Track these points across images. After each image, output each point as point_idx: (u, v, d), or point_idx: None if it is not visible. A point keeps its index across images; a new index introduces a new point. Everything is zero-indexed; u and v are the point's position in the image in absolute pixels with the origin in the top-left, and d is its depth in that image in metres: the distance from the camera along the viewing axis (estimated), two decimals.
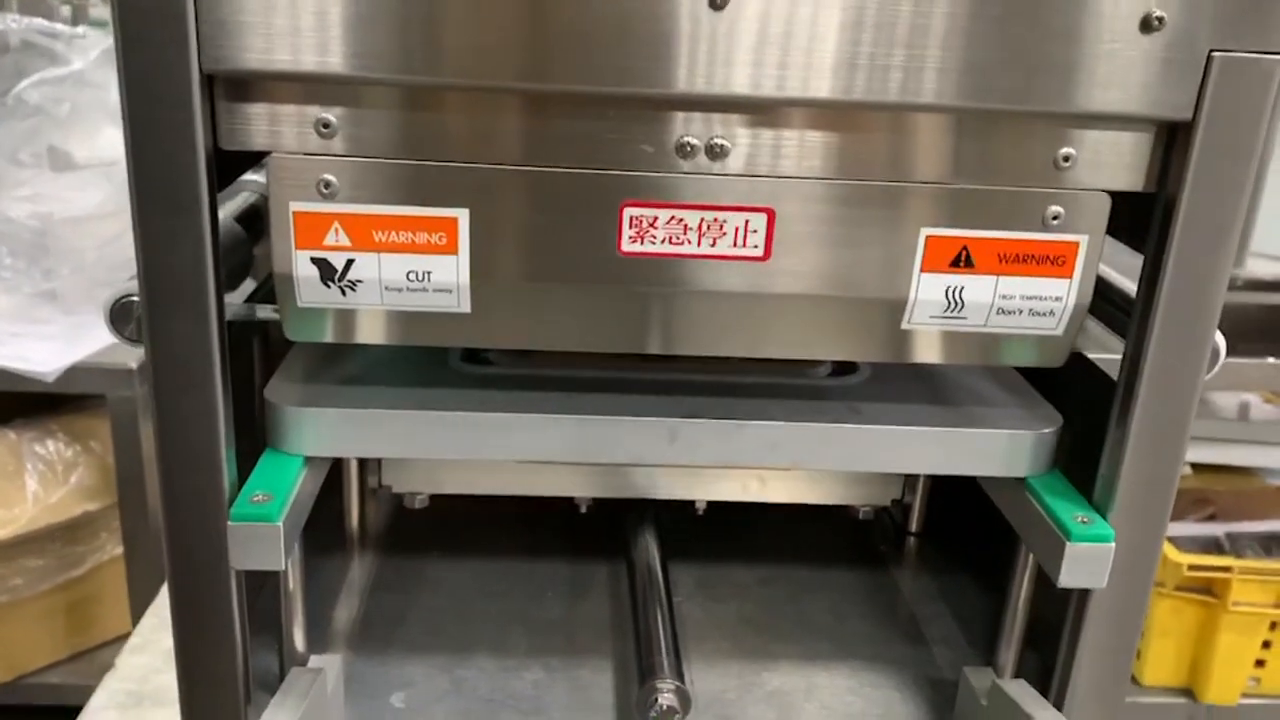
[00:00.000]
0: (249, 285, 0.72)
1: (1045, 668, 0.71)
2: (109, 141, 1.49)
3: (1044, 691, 0.69)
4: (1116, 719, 0.68)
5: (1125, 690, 0.68)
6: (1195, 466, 1.85)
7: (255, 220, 0.72)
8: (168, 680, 0.84)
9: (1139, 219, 0.64)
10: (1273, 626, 1.75)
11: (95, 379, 1.52)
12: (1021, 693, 0.65)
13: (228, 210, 0.70)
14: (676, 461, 0.63)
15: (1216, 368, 0.67)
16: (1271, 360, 1.65)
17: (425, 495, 0.80)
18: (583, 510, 0.82)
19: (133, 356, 1.51)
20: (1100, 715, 0.69)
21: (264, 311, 0.66)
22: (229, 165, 0.63)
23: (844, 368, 0.72)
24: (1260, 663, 1.78)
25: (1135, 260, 0.65)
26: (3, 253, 1.51)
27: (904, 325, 0.62)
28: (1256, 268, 1.50)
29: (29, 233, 1.48)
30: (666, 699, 0.62)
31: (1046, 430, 0.66)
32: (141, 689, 0.85)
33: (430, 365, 0.67)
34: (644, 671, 0.66)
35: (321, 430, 0.62)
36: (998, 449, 0.66)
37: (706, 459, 0.64)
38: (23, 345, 1.53)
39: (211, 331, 0.60)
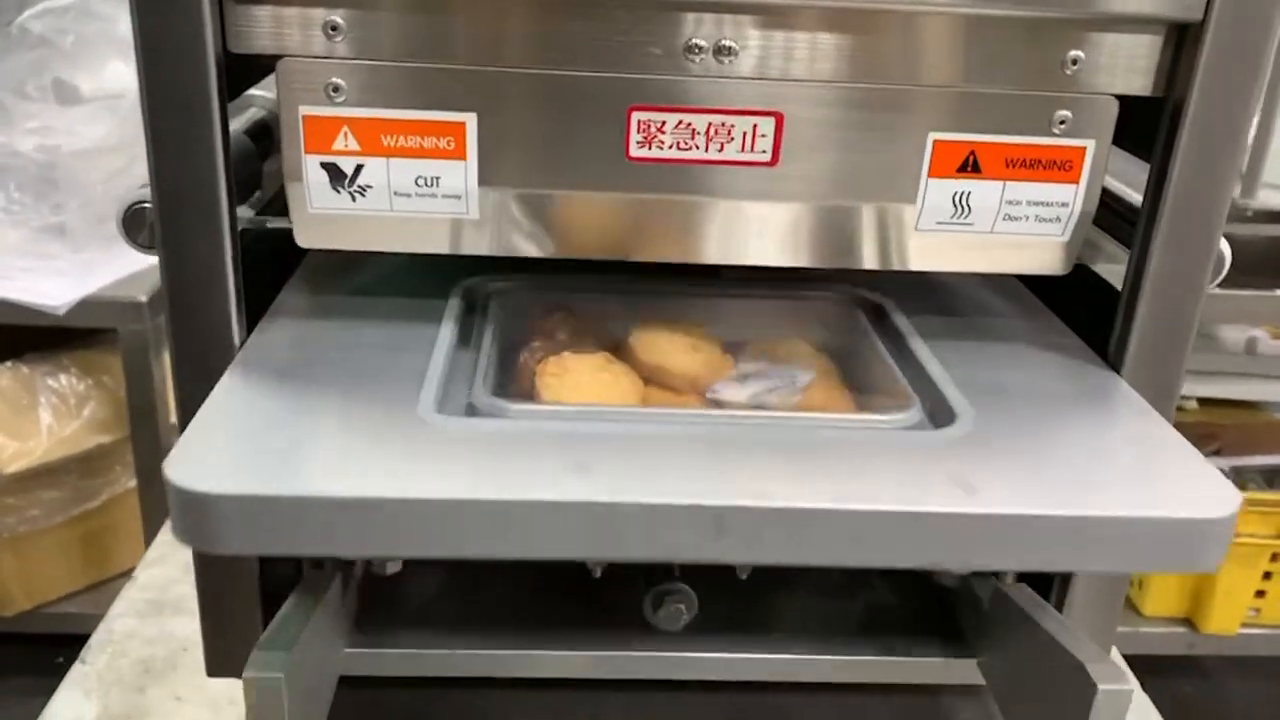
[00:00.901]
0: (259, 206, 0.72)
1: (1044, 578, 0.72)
2: (115, 74, 1.49)
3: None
4: (1115, 622, 0.69)
5: (1121, 605, 0.69)
6: (1201, 401, 1.86)
7: (264, 135, 0.72)
8: (187, 590, 0.85)
9: (1146, 127, 0.64)
10: (1273, 558, 1.76)
11: (106, 312, 1.52)
12: (1023, 596, 0.66)
13: (236, 124, 0.70)
14: (725, 560, 0.49)
15: (1221, 276, 0.67)
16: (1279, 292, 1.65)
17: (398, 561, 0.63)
18: (596, 575, 0.66)
19: (143, 290, 1.52)
20: (1099, 622, 0.70)
21: (276, 222, 0.67)
22: (236, 79, 0.63)
23: (938, 413, 0.58)
24: (1260, 593, 1.80)
25: (1142, 174, 0.65)
26: (10, 186, 1.52)
27: (911, 231, 0.63)
28: (1268, 199, 1.49)
29: (36, 166, 1.48)
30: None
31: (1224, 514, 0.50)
32: (161, 598, 0.87)
33: (391, 415, 0.53)
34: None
35: (230, 528, 0.47)
36: (1175, 541, 0.50)
37: (765, 558, 0.51)
38: (33, 279, 1.53)
39: (224, 239, 0.61)
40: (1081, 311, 0.72)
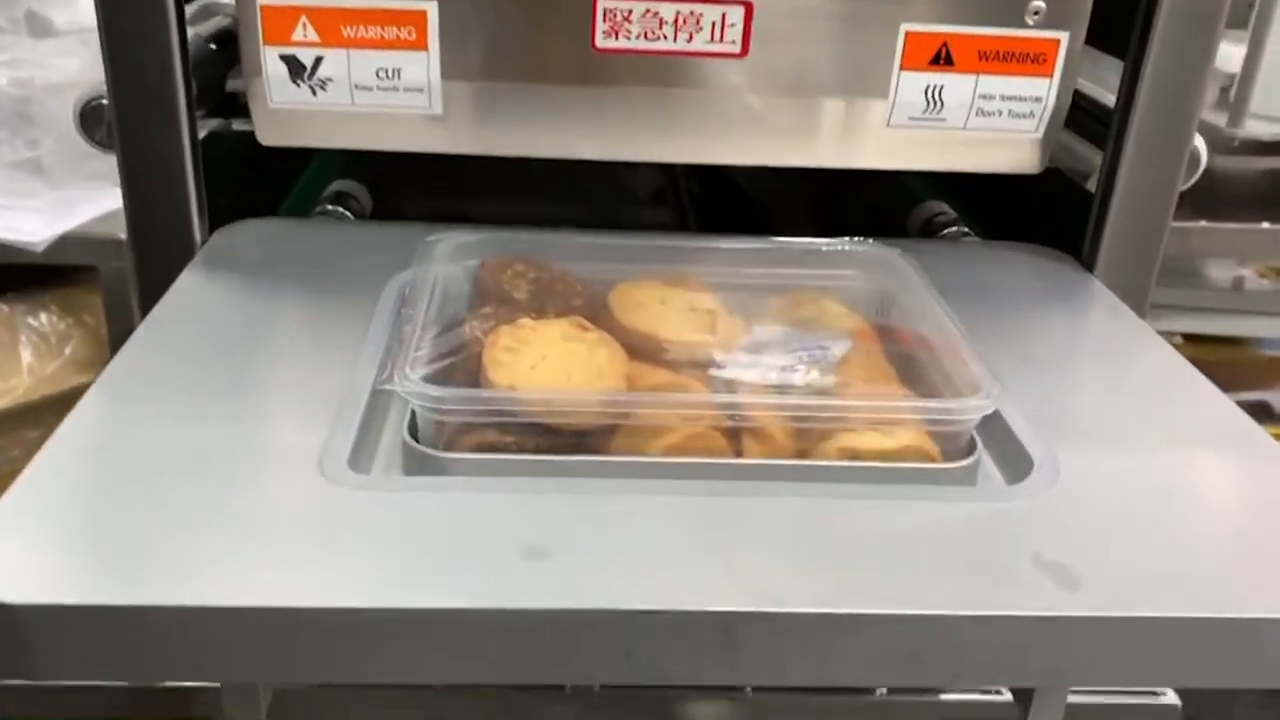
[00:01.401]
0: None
1: None
2: (89, 6, 1.46)
3: None
4: None
5: None
6: (1187, 337, 1.85)
7: (228, 43, 0.71)
8: None
9: (1120, 24, 0.63)
10: None
11: (86, 250, 1.50)
12: None
13: (200, 29, 0.69)
14: (733, 682, 0.42)
15: (1196, 175, 0.67)
16: (1267, 225, 1.65)
17: None
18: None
19: (124, 227, 1.50)
20: None
21: (238, 124, 0.66)
22: None
23: (1013, 463, 0.47)
24: None
25: (1114, 76, 0.65)
26: None
27: (884, 128, 0.62)
28: (1255, 129, 1.48)
29: (10, 101, 1.46)
30: None
31: None
32: None
33: (273, 479, 0.43)
34: None
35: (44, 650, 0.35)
36: None
37: (782, 679, 0.39)
38: (10, 217, 1.51)
39: (183, 139, 0.60)
40: (1056, 218, 0.71)
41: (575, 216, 0.93)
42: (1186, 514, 0.45)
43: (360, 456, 0.45)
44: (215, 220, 0.65)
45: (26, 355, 1.55)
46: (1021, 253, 0.69)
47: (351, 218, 0.72)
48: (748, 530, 0.42)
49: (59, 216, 1.51)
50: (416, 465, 0.45)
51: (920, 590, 0.39)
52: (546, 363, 0.47)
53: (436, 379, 0.46)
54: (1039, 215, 0.72)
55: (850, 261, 0.61)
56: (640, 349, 0.51)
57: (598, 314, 0.53)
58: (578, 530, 0.41)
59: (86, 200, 1.55)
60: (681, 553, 0.40)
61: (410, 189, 0.95)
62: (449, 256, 0.57)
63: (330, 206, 0.72)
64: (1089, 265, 0.67)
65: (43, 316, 1.58)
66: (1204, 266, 1.91)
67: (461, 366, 0.48)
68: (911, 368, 0.54)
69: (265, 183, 0.79)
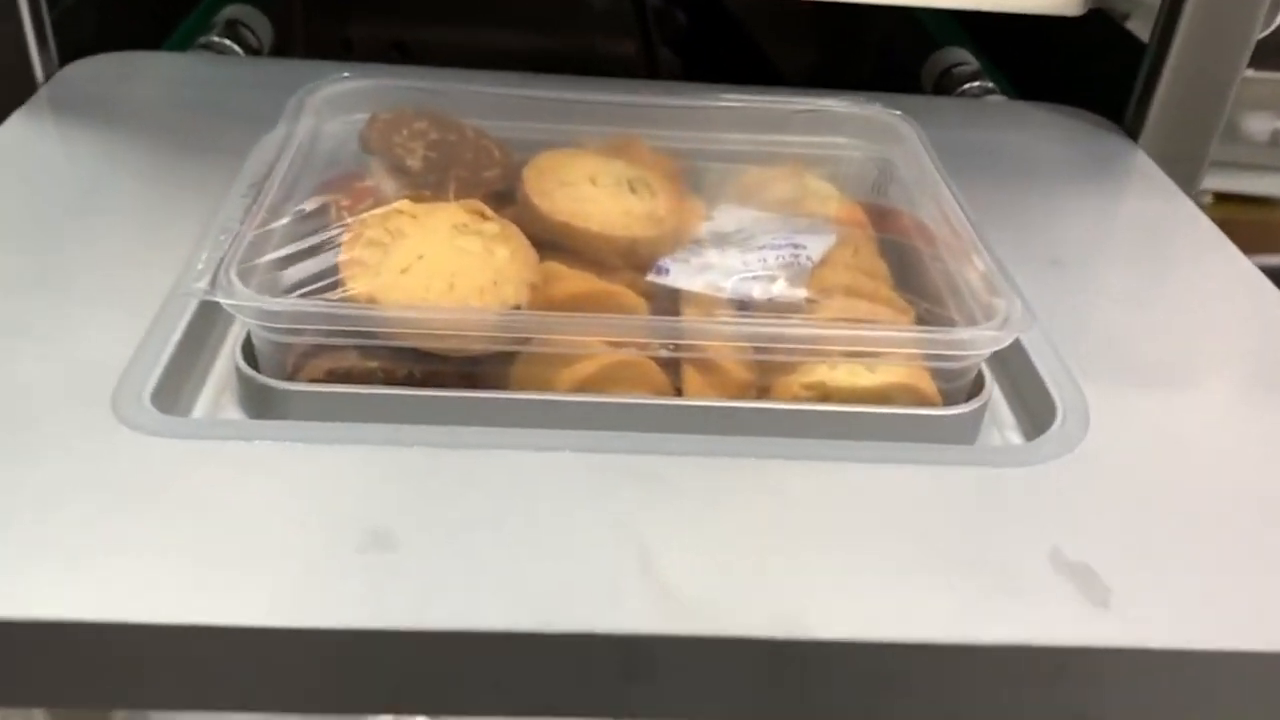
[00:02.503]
0: None
1: None
2: None
3: None
4: None
5: None
6: (1218, 196, 1.72)
7: None
8: None
9: None
10: None
11: None
12: None
13: None
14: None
15: (1276, 22, 0.54)
16: None
17: None
18: None
19: None
20: None
21: None
22: None
23: (1031, 408, 0.38)
24: None
25: None
26: None
27: None
28: None
29: None
30: None
31: None
32: None
33: (45, 421, 0.33)
34: None
35: None
36: None
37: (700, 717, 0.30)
38: None
39: None
40: (1097, 73, 0.59)
41: (528, 48, 0.79)
42: (1264, 491, 0.34)
43: (174, 389, 0.35)
44: (75, 53, 0.53)
45: None
46: (1053, 115, 0.57)
47: (241, 53, 0.60)
48: (674, 507, 0.31)
49: None
50: (252, 400, 0.35)
51: (895, 605, 0.29)
52: (423, 264, 0.35)
53: (280, 284, 0.35)
54: (1077, 70, 0.60)
55: (843, 125, 0.49)
56: (558, 243, 0.39)
57: (506, 196, 0.41)
58: (439, 504, 0.30)
59: None
60: (580, 539, 0.30)
61: (332, 12, 0.82)
62: (329, 109, 0.45)
63: (216, 38, 0.60)
64: (1133, 132, 0.55)
65: None
66: (1240, 118, 1.75)
67: (321, 266, 0.36)
68: (909, 266, 0.43)
69: (154, 11, 0.65)
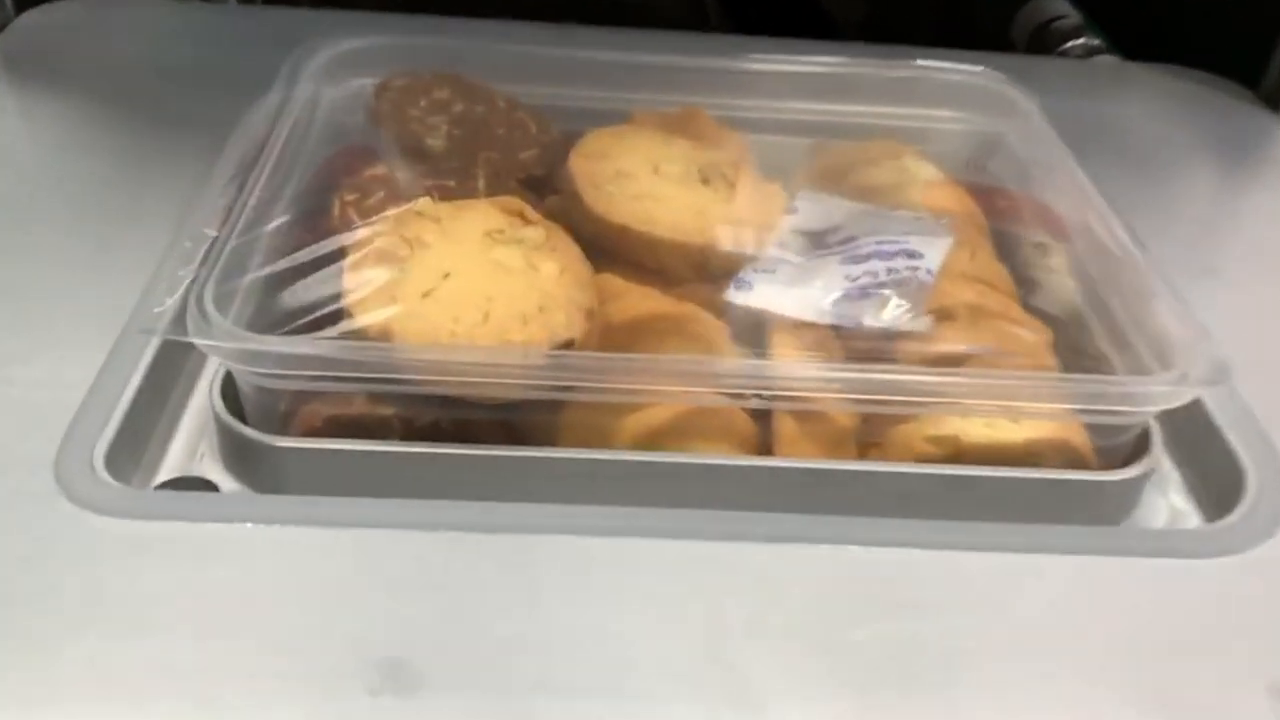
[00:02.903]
0: None
1: None
2: None
3: None
4: None
5: None
6: None
7: None
8: None
9: None
10: None
11: None
12: None
13: None
14: None
15: None
16: None
17: None
18: None
19: None
20: None
21: None
22: None
23: (1210, 473, 0.30)
24: None
25: None
26: None
27: None
28: None
29: None
30: None
31: None
32: None
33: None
34: None
35: None
36: None
37: None
38: None
39: None
40: (1224, 30, 0.50)
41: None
42: None
43: (135, 443, 0.27)
44: None
45: None
46: (1176, 81, 0.49)
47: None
48: (777, 627, 0.24)
49: None
50: (235, 457, 0.27)
51: None
52: (451, 286, 0.27)
53: (267, 311, 0.27)
54: (1198, 25, 0.52)
55: (939, 93, 0.41)
56: (615, 249, 0.32)
57: (556, 175, 0.34)
58: (473, 619, 0.23)
59: None
60: (658, 674, 0.23)
61: None
62: (331, 71, 0.38)
63: None
64: (1273, 100, 0.47)
65: None
66: None
67: (322, 288, 0.29)
68: (1029, 264, 0.35)
69: None
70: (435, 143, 0.36)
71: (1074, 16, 0.54)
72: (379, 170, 0.33)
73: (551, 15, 0.48)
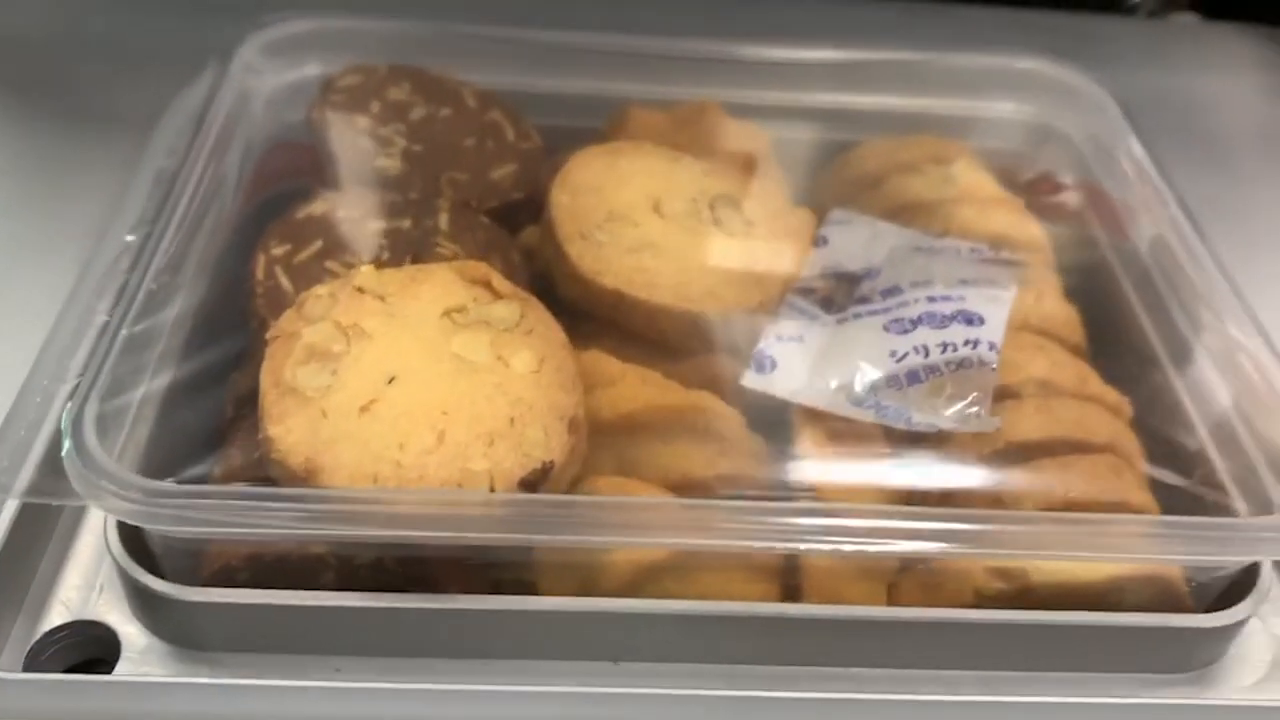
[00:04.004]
0: None
1: None
2: None
3: None
4: None
5: None
6: None
7: None
8: None
9: None
10: None
11: None
12: None
13: None
14: None
15: None
16: None
17: None
18: None
19: None
20: None
21: None
22: None
23: None
24: None
25: None
26: None
27: None
28: None
29: None
30: None
31: None
32: None
33: None
34: None
35: None
36: None
37: None
38: None
39: None
40: None
41: None
42: None
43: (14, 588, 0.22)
44: None
45: None
46: (1264, 47, 0.42)
47: None
48: None
49: None
50: (138, 607, 0.22)
51: None
52: (396, 394, 0.22)
53: (167, 433, 0.22)
54: None
55: (992, 81, 0.35)
56: (610, 314, 0.26)
57: (537, 198, 0.29)
58: None
59: None
60: None
61: None
62: (268, 59, 0.32)
63: None
64: None
65: None
66: None
67: (237, 395, 0.23)
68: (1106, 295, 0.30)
69: None
70: (389, 163, 0.30)
71: None
72: (315, 208, 0.27)
73: None
